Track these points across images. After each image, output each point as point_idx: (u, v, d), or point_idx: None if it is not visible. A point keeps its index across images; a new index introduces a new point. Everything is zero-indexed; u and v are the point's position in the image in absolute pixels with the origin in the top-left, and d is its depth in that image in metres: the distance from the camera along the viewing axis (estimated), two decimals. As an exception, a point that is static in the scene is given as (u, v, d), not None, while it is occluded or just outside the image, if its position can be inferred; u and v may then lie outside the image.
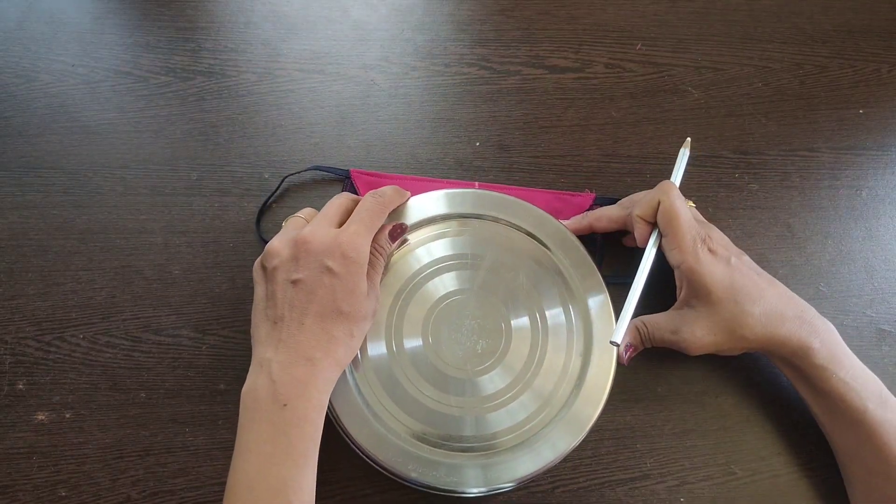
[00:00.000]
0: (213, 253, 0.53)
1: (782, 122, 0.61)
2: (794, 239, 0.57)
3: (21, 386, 0.48)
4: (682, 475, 0.48)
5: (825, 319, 0.46)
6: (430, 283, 0.48)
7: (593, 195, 0.56)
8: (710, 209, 0.57)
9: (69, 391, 0.48)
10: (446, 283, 0.48)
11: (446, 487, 0.42)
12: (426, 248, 0.49)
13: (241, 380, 0.41)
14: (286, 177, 0.56)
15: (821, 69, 0.65)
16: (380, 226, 0.45)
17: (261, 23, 0.64)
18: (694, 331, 0.45)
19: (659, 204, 0.47)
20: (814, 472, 0.49)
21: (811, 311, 0.46)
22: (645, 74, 0.63)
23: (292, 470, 0.37)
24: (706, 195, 0.58)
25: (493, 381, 0.45)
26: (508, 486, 0.43)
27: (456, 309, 0.47)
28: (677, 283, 0.48)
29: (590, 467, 0.48)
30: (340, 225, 0.44)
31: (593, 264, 0.48)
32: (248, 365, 0.41)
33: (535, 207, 0.50)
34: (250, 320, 0.43)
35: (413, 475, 0.42)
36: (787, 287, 0.47)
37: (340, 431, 0.44)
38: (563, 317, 0.47)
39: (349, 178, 0.56)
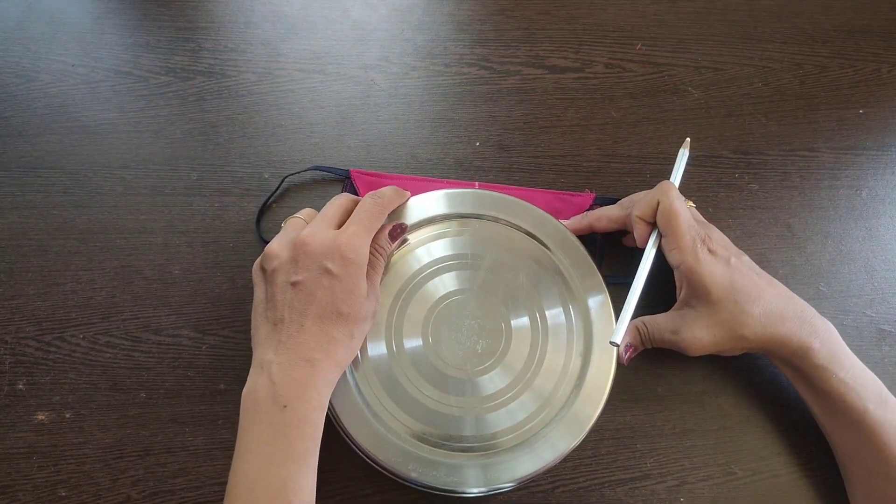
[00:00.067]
0: (213, 253, 0.53)
1: (782, 122, 0.61)
2: (794, 239, 0.57)
3: (21, 386, 0.48)
4: (682, 475, 0.48)
5: (825, 319, 0.46)
6: (430, 283, 0.48)
7: (593, 195, 0.56)
8: (710, 209, 0.57)
9: (69, 391, 0.48)
10: (446, 283, 0.48)
11: (446, 487, 0.42)
12: (426, 248, 0.49)
13: (241, 380, 0.41)
14: (286, 177, 0.56)
15: (821, 69, 0.65)
16: (379, 226, 0.45)
17: (261, 23, 0.64)
18: (694, 331, 0.45)
19: (658, 204, 0.47)
20: (814, 472, 0.49)
21: (811, 311, 0.46)
22: (645, 74, 0.63)
23: (292, 471, 0.37)
24: (706, 195, 0.58)
25: (493, 381, 0.45)
26: (508, 486, 0.43)
27: (456, 309, 0.47)
28: (677, 283, 0.48)
29: (590, 467, 0.48)
30: (340, 226, 0.44)
31: (593, 264, 0.48)
32: (248, 365, 0.41)
33: (535, 207, 0.50)
34: (250, 320, 0.43)
35: (413, 475, 0.42)
36: (787, 287, 0.47)
37: (340, 431, 0.44)
38: (563, 317, 0.47)
39: (349, 178, 0.56)
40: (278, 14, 0.64)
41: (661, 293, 0.50)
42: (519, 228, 0.50)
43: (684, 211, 0.47)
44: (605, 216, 0.51)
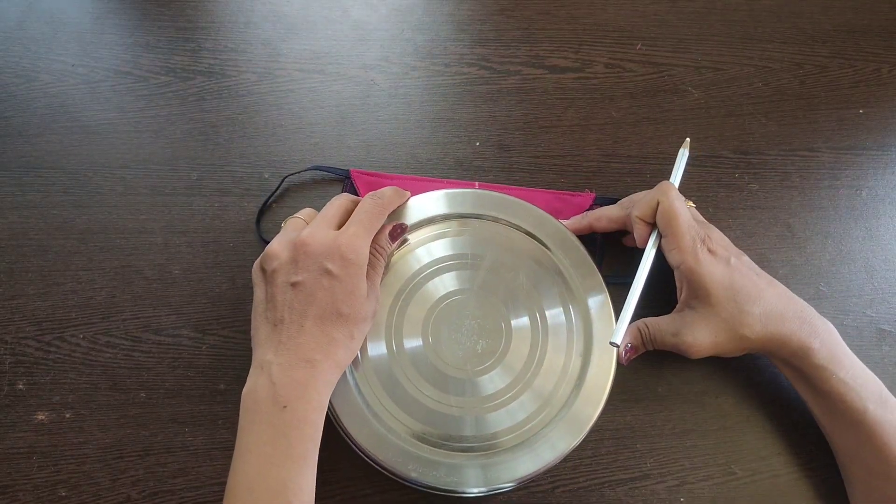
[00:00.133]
0: (213, 253, 0.53)
1: (782, 122, 0.61)
2: (794, 239, 0.57)
3: (21, 386, 0.48)
4: (682, 475, 0.48)
5: (825, 319, 0.46)
6: (430, 283, 0.48)
7: (593, 195, 0.56)
8: (710, 209, 0.57)
9: (69, 391, 0.48)
10: (446, 283, 0.48)
11: (446, 487, 0.42)
12: (426, 248, 0.49)
13: (241, 380, 0.41)
14: (286, 177, 0.56)
15: (821, 69, 0.65)
16: (379, 227, 0.45)
17: (261, 23, 0.64)
18: (694, 332, 0.45)
19: (658, 204, 0.47)
20: (814, 472, 0.49)
21: (811, 311, 0.46)
22: (645, 74, 0.63)
23: (292, 471, 0.37)
24: (706, 195, 0.58)
25: (493, 381, 0.45)
26: (508, 486, 0.43)
27: (456, 309, 0.47)
28: (677, 283, 0.48)
29: (590, 467, 0.48)
30: (340, 226, 0.44)
31: (593, 264, 0.48)
32: (248, 365, 0.41)
33: (535, 207, 0.50)
34: (250, 320, 0.43)
35: (413, 475, 0.42)
36: (787, 287, 0.47)
37: (341, 431, 0.44)
38: (563, 317, 0.47)
39: (349, 178, 0.56)
40: (278, 14, 0.64)
41: (662, 294, 0.50)
42: (519, 228, 0.50)
43: (684, 211, 0.47)
44: (605, 216, 0.51)
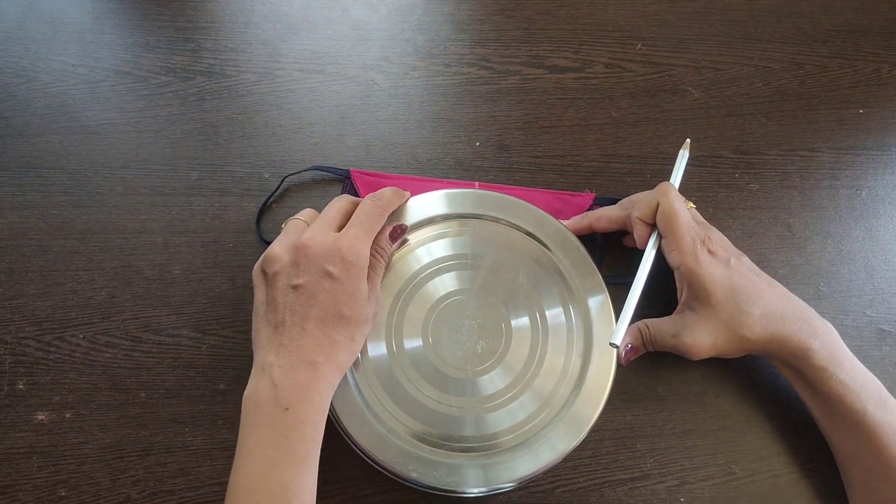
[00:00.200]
0: (213, 253, 0.53)
1: (782, 122, 0.61)
2: (794, 239, 0.57)
3: (21, 386, 0.48)
4: (682, 475, 0.48)
5: (825, 320, 0.46)
6: (430, 283, 0.48)
7: (593, 195, 0.56)
8: (710, 209, 0.57)
9: (69, 391, 0.48)
10: (446, 284, 0.48)
11: (446, 487, 0.42)
12: (426, 249, 0.49)
13: (241, 380, 0.41)
14: (286, 177, 0.56)
15: (821, 69, 0.65)
16: (379, 228, 0.45)
17: (261, 23, 0.64)
18: (694, 334, 0.45)
19: (658, 205, 0.47)
20: (814, 472, 0.49)
21: (811, 312, 0.46)
22: (645, 74, 0.63)
23: (293, 473, 0.37)
24: (706, 195, 0.58)
25: (493, 382, 0.45)
26: (508, 486, 0.43)
27: (456, 309, 0.47)
28: (677, 285, 0.48)
29: (590, 467, 0.48)
30: (340, 228, 0.44)
31: (593, 264, 0.48)
32: (248, 365, 0.41)
33: (535, 207, 0.50)
34: (250, 320, 0.43)
35: (413, 475, 0.42)
36: (787, 287, 0.47)
37: (341, 432, 0.44)
38: (563, 317, 0.47)
39: (349, 178, 0.56)
40: (278, 14, 0.64)
41: (661, 294, 0.50)
42: (519, 228, 0.50)
43: (684, 212, 0.47)
44: (605, 216, 0.51)
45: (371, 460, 0.43)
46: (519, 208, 0.50)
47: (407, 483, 0.43)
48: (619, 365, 0.46)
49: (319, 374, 0.40)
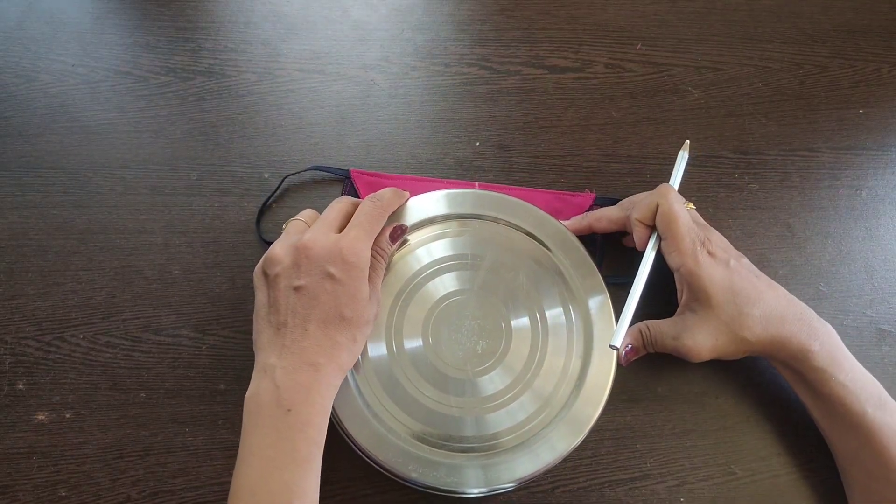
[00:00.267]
0: (213, 253, 0.53)
1: (782, 122, 0.61)
2: (794, 239, 0.57)
3: (21, 386, 0.48)
4: (682, 475, 0.48)
5: (825, 322, 0.46)
6: (431, 283, 0.48)
7: (593, 195, 0.56)
8: (710, 209, 0.57)
9: (69, 391, 0.48)
10: (446, 284, 0.48)
11: (446, 488, 0.42)
12: (426, 249, 0.49)
13: (241, 380, 0.41)
14: (286, 177, 0.56)
15: (821, 69, 0.65)
16: (379, 229, 0.45)
17: (261, 23, 0.64)
18: (695, 336, 0.45)
19: (657, 207, 0.47)
20: (813, 472, 0.49)
21: (811, 314, 0.46)
22: (645, 74, 0.63)
23: (296, 474, 0.37)
24: (706, 195, 0.58)
25: (493, 382, 0.45)
26: (508, 486, 0.43)
27: (456, 309, 0.47)
28: (678, 286, 0.48)
29: (590, 467, 0.48)
30: (341, 229, 0.44)
31: (593, 265, 0.48)
32: (248, 365, 0.41)
33: (534, 208, 0.50)
34: (250, 320, 0.43)
35: (413, 475, 0.42)
36: (787, 287, 0.47)
37: (341, 432, 0.44)
38: (563, 317, 0.47)
39: (349, 178, 0.56)
40: (278, 14, 0.64)
41: (661, 296, 0.50)
42: (519, 229, 0.50)
43: (683, 214, 0.47)
44: (604, 217, 0.51)
45: (371, 460, 0.43)
46: (519, 208, 0.50)
47: (407, 483, 0.43)
48: (619, 365, 0.46)
49: (321, 375, 0.40)
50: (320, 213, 0.46)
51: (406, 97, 0.61)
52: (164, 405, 0.48)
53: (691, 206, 0.51)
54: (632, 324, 0.47)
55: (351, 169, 0.56)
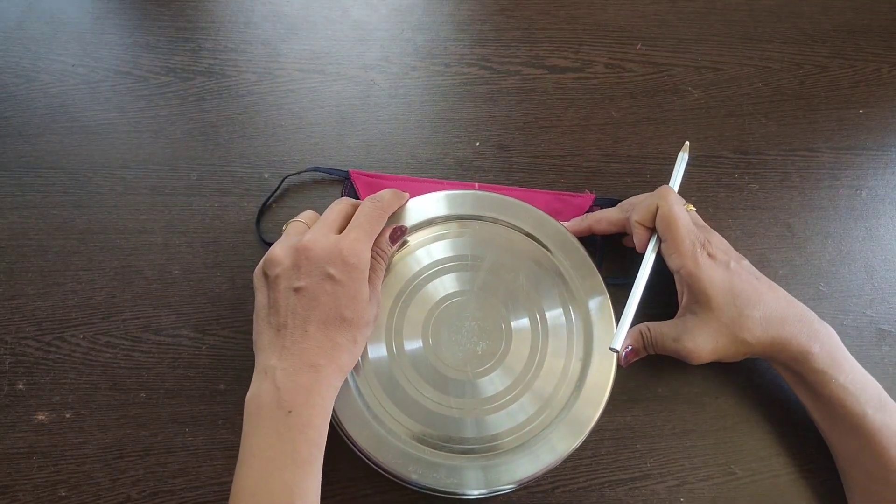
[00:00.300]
0: (213, 253, 0.53)
1: (782, 122, 0.61)
2: (794, 239, 0.57)
3: (21, 386, 0.48)
4: (682, 475, 0.48)
5: (825, 323, 0.46)
6: (430, 284, 0.48)
7: (593, 196, 0.56)
8: (710, 209, 0.57)
9: (69, 391, 0.48)
10: (446, 285, 0.48)
11: (446, 489, 0.42)
12: (426, 250, 0.49)
13: (241, 380, 0.41)
14: (286, 177, 0.56)
15: (821, 69, 0.65)
16: (379, 230, 0.45)
17: (261, 23, 0.64)
18: (695, 338, 0.45)
19: (657, 209, 0.47)
20: (813, 472, 0.49)
21: (811, 315, 0.46)
22: (645, 74, 0.63)
23: (296, 475, 0.37)
24: (706, 195, 0.58)
25: (493, 383, 0.45)
26: (509, 487, 0.43)
27: (456, 310, 0.47)
28: (678, 288, 0.48)
29: (590, 467, 0.48)
30: (341, 231, 0.44)
31: (593, 266, 0.48)
32: (248, 365, 0.41)
33: (534, 209, 0.50)
34: (250, 320, 0.44)
35: (413, 477, 0.42)
36: (787, 288, 0.47)
37: (341, 433, 0.44)
38: (563, 318, 0.47)
39: (349, 178, 0.56)
40: (278, 14, 0.64)
41: (661, 297, 0.50)
42: (519, 230, 0.50)
43: (683, 215, 0.47)
44: (604, 218, 0.51)
45: (371, 462, 0.43)
46: (519, 209, 0.50)
47: (407, 484, 0.43)
48: (619, 366, 0.46)
49: (322, 376, 0.40)
50: (320, 214, 0.46)
51: (406, 97, 0.61)
52: (164, 405, 0.48)
53: (691, 207, 0.51)
54: (632, 325, 0.47)
55: (350, 170, 0.56)
